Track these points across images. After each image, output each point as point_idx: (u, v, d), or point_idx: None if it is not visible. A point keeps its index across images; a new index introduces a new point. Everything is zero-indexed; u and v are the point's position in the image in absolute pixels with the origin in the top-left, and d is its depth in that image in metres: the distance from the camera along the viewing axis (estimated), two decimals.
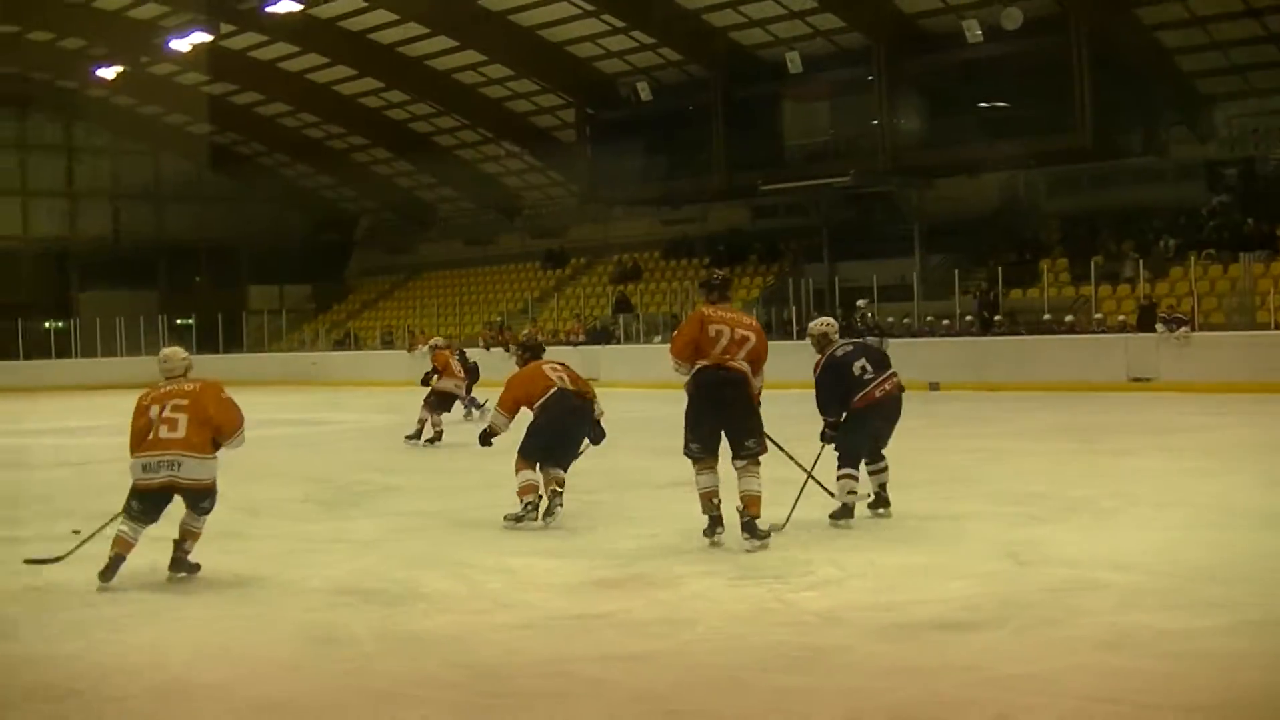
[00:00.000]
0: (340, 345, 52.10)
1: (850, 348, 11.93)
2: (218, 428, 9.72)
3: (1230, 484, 13.95)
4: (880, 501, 11.77)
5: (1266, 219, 36.11)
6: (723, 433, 10.50)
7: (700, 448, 10.48)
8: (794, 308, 38.15)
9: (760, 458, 10.43)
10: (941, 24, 37.45)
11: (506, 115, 48.54)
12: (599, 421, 12.54)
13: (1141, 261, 35.15)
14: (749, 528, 10.29)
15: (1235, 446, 18.10)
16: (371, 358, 48.18)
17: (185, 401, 9.68)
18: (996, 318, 34.85)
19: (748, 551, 10.11)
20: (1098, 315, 33.55)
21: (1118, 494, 13.11)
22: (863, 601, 8.46)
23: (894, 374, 11.81)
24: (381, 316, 55.35)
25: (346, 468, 17.54)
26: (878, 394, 11.57)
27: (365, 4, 41.18)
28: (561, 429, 12.22)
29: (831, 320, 12.27)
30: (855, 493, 11.42)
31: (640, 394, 34.03)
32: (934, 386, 31.47)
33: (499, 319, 46.86)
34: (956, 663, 6.93)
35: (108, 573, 9.27)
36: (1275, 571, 9.06)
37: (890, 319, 35.73)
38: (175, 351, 10.21)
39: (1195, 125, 38.99)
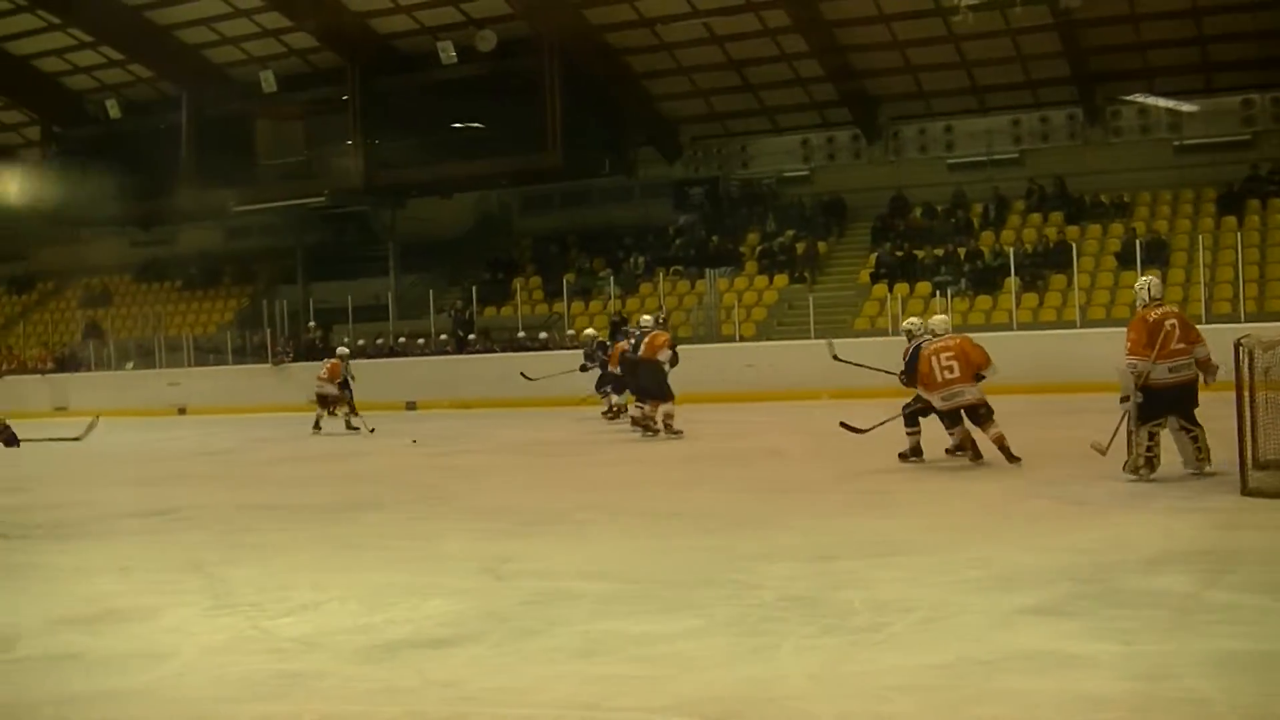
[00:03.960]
0: None
1: None
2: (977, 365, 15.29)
3: (702, 491, 14.47)
4: None
5: (729, 236, 37.70)
6: None
7: None
8: (268, 330, 37.69)
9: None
10: (416, 44, 37.68)
11: None
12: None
13: (613, 278, 36.17)
14: None
15: (705, 456, 18.77)
16: None
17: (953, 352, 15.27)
18: (471, 336, 35.24)
19: None
20: (570, 331, 34.32)
21: (590, 505, 13.42)
22: (341, 624, 8.37)
23: None
24: None
25: None
26: None
27: None
28: None
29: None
30: None
31: (113, 422, 32.98)
32: (411, 406, 31.60)
33: None
34: (437, 679, 6.91)
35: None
36: (743, 572, 9.38)
37: (362, 341, 35.65)
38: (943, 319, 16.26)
39: (662, 146, 40.34)
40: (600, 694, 6.52)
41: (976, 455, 15.41)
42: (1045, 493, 12.90)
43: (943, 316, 16.21)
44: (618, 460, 18.89)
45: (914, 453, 15.68)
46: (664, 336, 21.74)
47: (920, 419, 15.67)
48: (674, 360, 21.42)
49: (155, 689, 7.07)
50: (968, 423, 15.39)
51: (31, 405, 36.64)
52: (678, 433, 20.98)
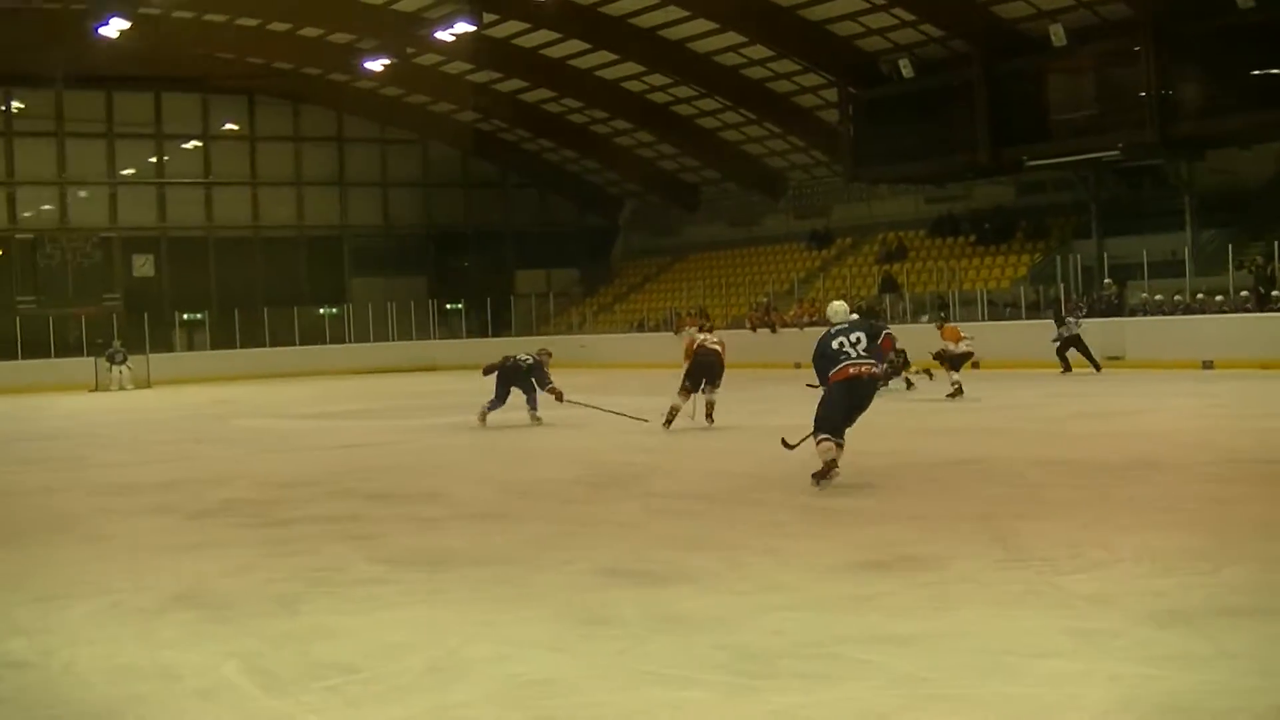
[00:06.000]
0: (639, 329, 52.18)
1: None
2: None
3: None
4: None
5: None
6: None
7: None
8: (1061, 285, 37.54)
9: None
10: None
11: (768, 96, 48.39)
12: None
13: None
14: None
15: None
16: (639, 340, 48.67)
17: None
18: (1274, 293, 33.79)
19: None
20: None
21: None
22: (1134, 585, 8.28)
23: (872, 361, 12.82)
24: (648, 299, 55.71)
25: (614, 449, 17.70)
26: (851, 371, 12.72)
27: None
28: None
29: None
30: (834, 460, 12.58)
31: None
32: (1207, 365, 30.76)
33: (765, 300, 46.93)
34: (1234, 650, 6.70)
35: None
36: None
37: (1159, 297, 34.96)
38: None
39: None
40: None
41: None
42: None
43: None
44: None
45: None
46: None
47: None
48: None
49: (946, 636, 7.22)
50: None
51: None
52: None
